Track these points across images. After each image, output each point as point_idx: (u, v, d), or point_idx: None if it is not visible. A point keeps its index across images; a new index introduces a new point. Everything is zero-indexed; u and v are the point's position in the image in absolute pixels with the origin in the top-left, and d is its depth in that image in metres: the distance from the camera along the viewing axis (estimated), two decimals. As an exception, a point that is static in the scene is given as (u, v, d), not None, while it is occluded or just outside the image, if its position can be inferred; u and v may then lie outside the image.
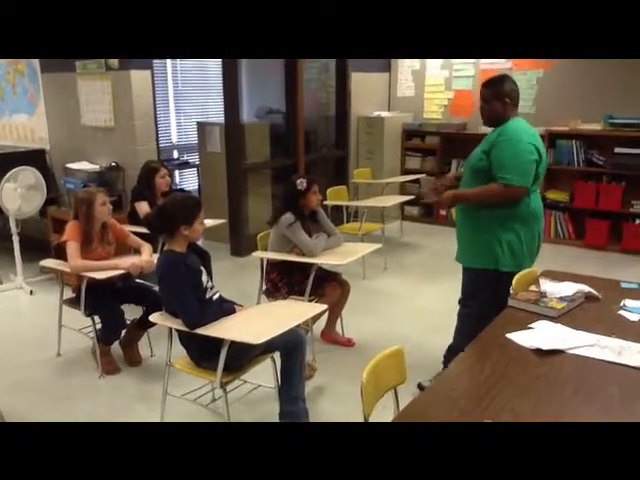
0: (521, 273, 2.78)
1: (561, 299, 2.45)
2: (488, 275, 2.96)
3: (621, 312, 2.39)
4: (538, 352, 2.03)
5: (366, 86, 6.99)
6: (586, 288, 2.57)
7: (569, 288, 2.56)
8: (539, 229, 3.00)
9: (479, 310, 2.99)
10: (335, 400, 3.16)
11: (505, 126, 2.87)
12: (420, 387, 3.15)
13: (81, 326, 3.59)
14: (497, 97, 2.89)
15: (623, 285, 2.71)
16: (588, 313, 2.40)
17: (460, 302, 3.17)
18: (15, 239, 4.83)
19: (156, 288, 2.90)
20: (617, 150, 5.69)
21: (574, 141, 5.89)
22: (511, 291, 2.64)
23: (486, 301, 2.97)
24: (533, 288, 2.60)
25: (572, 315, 2.36)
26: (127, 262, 3.41)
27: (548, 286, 2.59)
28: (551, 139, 6.00)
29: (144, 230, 3.65)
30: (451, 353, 3.08)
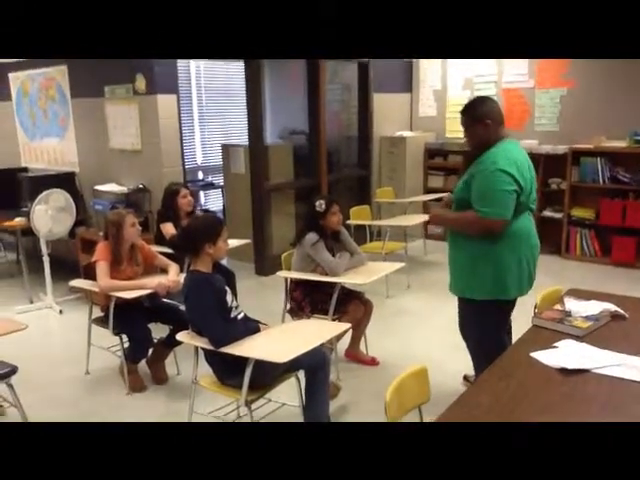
0: (545, 291, 2.77)
1: (587, 318, 2.43)
2: (471, 304, 2.88)
3: (648, 331, 2.36)
4: (563, 371, 2.02)
5: (388, 106, 7.05)
6: (612, 307, 2.55)
7: (595, 307, 2.54)
8: (528, 254, 2.81)
9: (476, 340, 2.98)
10: (359, 419, 3.15)
11: (486, 154, 2.73)
12: (466, 379, 3.29)
13: (109, 345, 3.65)
14: (477, 121, 2.75)
15: (650, 304, 2.68)
16: (614, 332, 2.38)
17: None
18: (45, 259, 4.95)
19: (182, 307, 2.95)
20: (643, 167, 5.64)
21: (599, 158, 5.84)
22: (511, 320, 2.58)
23: (476, 333, 2.95)
24: (558, 307, 2.59)
25: (598, 334, 2.34)
26: (154, 282, 3.48)
27: (573, 305, 2.57)
28: (575, 157, 5.96)
29: (171, 250, 3.73)
30: None
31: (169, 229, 4.23)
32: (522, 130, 6.37)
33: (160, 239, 4.26)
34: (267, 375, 2.67)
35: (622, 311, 2.53)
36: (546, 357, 2.13)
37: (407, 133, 7.11)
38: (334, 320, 3.49)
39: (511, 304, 2.94)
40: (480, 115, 2.76)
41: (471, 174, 2.77)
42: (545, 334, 2.36)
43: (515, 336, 2.47)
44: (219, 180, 7.30)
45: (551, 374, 2.02)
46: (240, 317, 2.83)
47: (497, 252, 2.75)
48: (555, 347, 2.22)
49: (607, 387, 1.93)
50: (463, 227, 2.84)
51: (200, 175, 7.62)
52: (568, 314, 2.49)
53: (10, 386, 2.83)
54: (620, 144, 5.74)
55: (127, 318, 3.45)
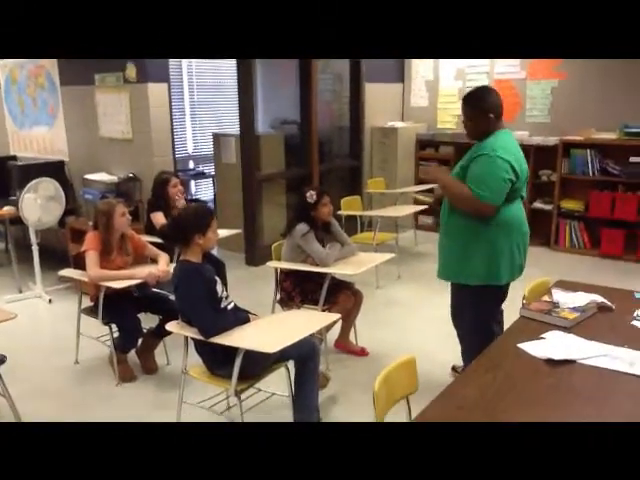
0: (533, 283, 2.79)
1: (574, 309, 2.46)
2: (465, 290, 2.95)
3: (634, 323, 2.39)
4: (550, 362, 2.04)
5: (380, 97, 7.03)
6: (599, 298, 2.57)
7: (582, 298, 2.57)
8: (519, 240, 2.91)
9: (469, 327, 3.04)
10: (348, 409, 3.18)
11: (485, 141, 2.81)
12: (454, 369, 3.34)
13: (99, 334, 3.65)
14: (480, 113, 2.81)
15: (637, 295, 2.70)
16: (601, 324, 2.40)
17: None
18: (35, 249, 4.92)
19: (172, 297, 2.95)
20: (632, 159, 5.65)
21: (589, 150, 5.87)
22: (504, 305, 2.59)
23: (468, 319, 3.00)
24: (545, 298, 2.61)
25: (584, 325, 2.37)
26: (144, 271, 3.47)
27: (561, 296, 2.60)
28: (565, 149, 5.98)
29: (161, 240, 3.71)
30: None
31: (159, 219, 4.21)
32: (513, 121, 6.37)
33: (150, 229, 4.24)
34: (257, 365, 2.68)
35: (609, 303, 2.55)
36: (533, 348, 2.15)
37: (399, 124, 7.10)
38: (324, 310, 3.50)
39: (503, 290, 3.01)
40: (486, 108, 2.82)
41: (469, 158, 2.84)
42: (532, 325, 2.38)
43: (505, 326, 2.50)
44: (210, 169, 7.26)
45: (538, 365, 2.04)
46: (230, 307, 2.83)
47: (491, 238, 2.82)
48: (542, 338, 2.24)
49: (593, 378, 1.95)
50: (455, 196, 2.86)
51: (191, 164, 7.58)
52: (556, 305, 2.51)
53: (-2, 376, 2.83)
54: (610, 136, 5.77)
55: (117, 308, 3.45)
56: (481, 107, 2.82)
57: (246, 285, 5.09)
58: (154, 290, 3.66)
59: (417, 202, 4.22)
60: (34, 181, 4.77)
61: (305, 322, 2.84)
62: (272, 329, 2.78)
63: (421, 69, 7.20)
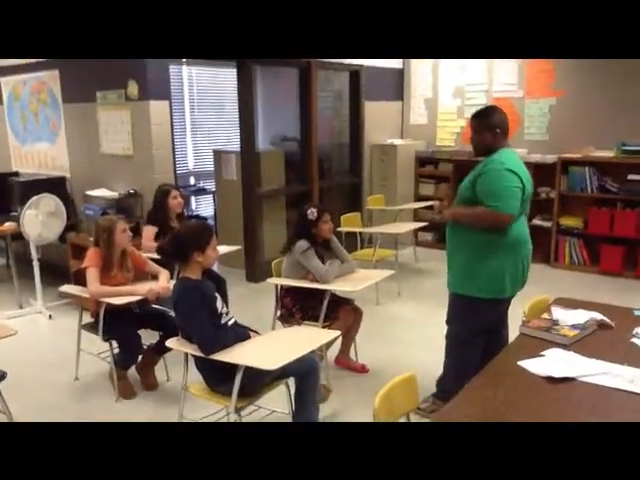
0: (533, 300, 2.80)
1: (573, 327, 2.47)
2: (467, 301, 3.00)
3: (634, 340, 2.40)
4: (550, 380, 2.05)
5: (379, 114, 7.09)
6: (599, 316, 2.58)
7: (581, 316, 2.58)
8: (524, 255, 2.98)
9: (458, 335, 3.08)
10: (349, 426, 3.16)
11: (492, 157, 2.89)
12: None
13: (99, 350, 3.65)
14: (487, 128, 2.92)
15: (637, 313, 2.72)
16: (600, 341, 2.41)
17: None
18: (35, 264, 4.93)
19: (172, 313, 2.96)
20: (630, 177, 5.69)
21: (587, 168, 5.91)
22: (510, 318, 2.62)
23: (466, 327, 3.05)
24: (545, 316, 2.62)
25: (584, 343, 2.38)
26: (144, 288, 3.48)
27: (560, 314, 2.61)
28: (564, 166, 6.02)
29: (156, 255, 3.72)
30: (440, 382, 3.24)
31: (149, 234, 4.23)
32: (511, 139, 6.34)
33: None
34: (257, 382, 2.68)
35: (608, 320, 2.56)
36: (533, 366, 2.16)
37: (398, 141, 7.15)
38: (324, 327, 3.51)
39: (503, 303, 3.06)
40: (492, 124, 2.92)
41: (478, 173, 2.89)
42: (532, 343, 2.39)
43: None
44: (211, 186, 7.30)
45: (538, 383, 2.05)
46: (230, 324, 2.83)
47: (500, 255, 2.88)
48: (542, 356, 2.25)
49: (593, 395, 1.95)
50: (473, 220, 2.91)
51: (192, 180, 7.62)
52: (555, 323, 2.52)
53: (-2, 392, 2.82)
54: (608, 154, 5.81)
55: (117, 324, 3.45)
56: (489, 122, 2.92)
57: (246, 301, 5.09)
58: (154, 306, 3.66)
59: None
60: (35, 197, 4.79)
61: (305, 339, 2.85)
62: (272, 346, 2.78)
63: (420, 87, 7.26)
